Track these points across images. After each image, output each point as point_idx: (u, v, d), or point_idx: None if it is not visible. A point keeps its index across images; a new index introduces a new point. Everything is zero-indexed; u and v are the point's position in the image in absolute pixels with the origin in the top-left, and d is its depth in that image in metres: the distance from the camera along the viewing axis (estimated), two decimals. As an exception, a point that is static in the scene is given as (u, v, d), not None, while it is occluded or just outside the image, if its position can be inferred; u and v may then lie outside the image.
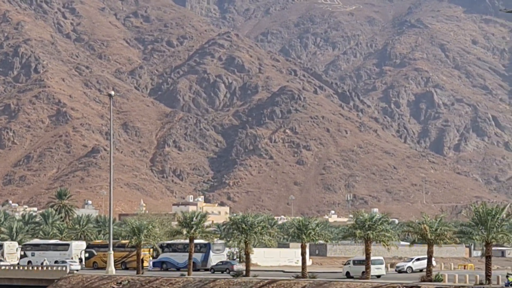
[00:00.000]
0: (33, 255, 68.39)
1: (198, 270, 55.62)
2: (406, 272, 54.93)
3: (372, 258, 45.32)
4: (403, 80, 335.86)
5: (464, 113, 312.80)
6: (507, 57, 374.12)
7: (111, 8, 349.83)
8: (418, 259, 58.27)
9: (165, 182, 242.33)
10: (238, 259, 62.15)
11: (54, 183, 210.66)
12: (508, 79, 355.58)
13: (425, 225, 40.89)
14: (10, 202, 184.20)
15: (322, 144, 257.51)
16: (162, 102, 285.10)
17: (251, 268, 49.57)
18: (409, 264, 58.27)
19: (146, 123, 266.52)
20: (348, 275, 47.32)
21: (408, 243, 55.26)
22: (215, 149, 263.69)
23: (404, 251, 76.54)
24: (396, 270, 56.57)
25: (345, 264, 52.28)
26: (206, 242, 55.75)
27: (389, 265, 59.57)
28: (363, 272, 44.05)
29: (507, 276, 38.43)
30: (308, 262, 55.71)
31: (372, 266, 44.15)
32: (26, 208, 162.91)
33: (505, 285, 37.36)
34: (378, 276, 46.03)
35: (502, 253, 74.51)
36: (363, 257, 45.91)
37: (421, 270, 52.04)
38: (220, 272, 52.54)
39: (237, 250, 62.62)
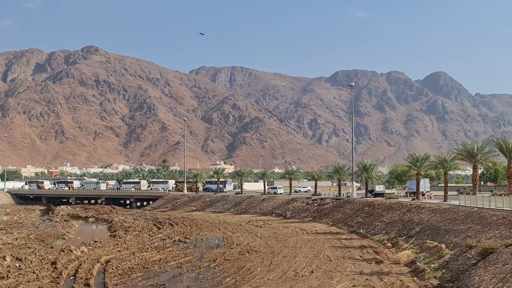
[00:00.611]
0: (153, 186, 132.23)
1: (221, 191, 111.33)
2: (299, 191, 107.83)
3: (280, 186, 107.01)
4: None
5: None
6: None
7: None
8: (305, 187, 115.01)
9: (207, 155, 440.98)
10: (238, 187, 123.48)
11: (162, 156, 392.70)
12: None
13: (314, 173, 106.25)
14: (144, 164, 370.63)
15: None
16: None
17: (243, 190, 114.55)
18: (300, 189, 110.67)
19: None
20: (275, 193, 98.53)
21: (307, 180, 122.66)
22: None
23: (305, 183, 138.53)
24: (295, 191, 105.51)
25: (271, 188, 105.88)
26: (224, 180, 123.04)
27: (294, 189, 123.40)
28: (275, 192, 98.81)
29: (347, 193, 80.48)
30: (267, 188, 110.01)
31: (281, 190, 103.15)
32: (150, 166, 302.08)
33: (347, 197, 74.24)
34: (280, 193, 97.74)
35: (345, 184, 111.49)
36: (281, 185, 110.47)
37: (306, 192, 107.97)
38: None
39: (237, 183, 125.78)
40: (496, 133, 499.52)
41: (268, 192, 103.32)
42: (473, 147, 58.20)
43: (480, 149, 57.55)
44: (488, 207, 42.92)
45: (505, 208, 40.09)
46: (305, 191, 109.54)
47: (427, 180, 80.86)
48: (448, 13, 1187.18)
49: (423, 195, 72.22)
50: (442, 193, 64.66)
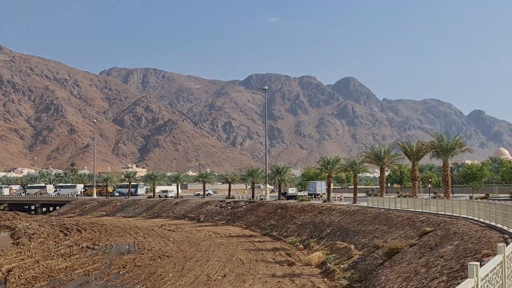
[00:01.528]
0: (60, 191, 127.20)
1: (160, 197, 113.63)
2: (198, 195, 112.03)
3: (172, 189, 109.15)
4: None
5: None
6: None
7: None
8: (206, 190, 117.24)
9: (118, 158, 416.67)
10: (150, 191, 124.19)
11: (70, 160, 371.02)
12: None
13: (227, 176, 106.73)
14: (51, 168, 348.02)
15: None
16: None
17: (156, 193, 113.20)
18: (200, 192, 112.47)
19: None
20: (166, 196, 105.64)
21: (221, 183, 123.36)
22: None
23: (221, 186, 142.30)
24: (195, 195, 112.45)
25: (196, 195, 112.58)
26: (136, 183, 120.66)
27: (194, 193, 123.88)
28: (166, 196, 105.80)
29: (261, 196, 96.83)
30: (180, 191, 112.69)
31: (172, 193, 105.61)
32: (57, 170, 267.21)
33: (260, 200, 78.22)
34: (171, 197, 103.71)
35: (259, 186, 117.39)
36: (172, 188, 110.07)
37: (207, 195, 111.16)
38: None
39: (150, 187, 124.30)
40: (402, 137, 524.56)
41: (159, 195, 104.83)
42: (380, 150, 60.31)
43: (386, 153, 59.74)
44: (394, 208, 44.59)
45: (409, 209, 41.78)
46: (207, 194, 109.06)
47: (324, 182, 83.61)
48: (358, 20, 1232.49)
49: (320, 196, 75.31)
50: (352, 195, 66.65)
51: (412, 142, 56.78)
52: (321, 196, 77.67)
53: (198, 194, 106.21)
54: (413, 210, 41.00)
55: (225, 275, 32.59)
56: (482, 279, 4.47)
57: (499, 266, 5.39)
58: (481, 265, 4.85)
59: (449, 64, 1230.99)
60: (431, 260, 22.22)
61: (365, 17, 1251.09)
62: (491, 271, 4.93)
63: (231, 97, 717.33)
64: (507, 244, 7.54)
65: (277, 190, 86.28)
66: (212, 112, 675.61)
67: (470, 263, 4.16)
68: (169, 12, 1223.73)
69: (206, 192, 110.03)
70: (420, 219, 34.70)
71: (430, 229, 30.01)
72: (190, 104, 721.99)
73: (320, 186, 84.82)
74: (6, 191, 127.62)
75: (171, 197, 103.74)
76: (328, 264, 33.92)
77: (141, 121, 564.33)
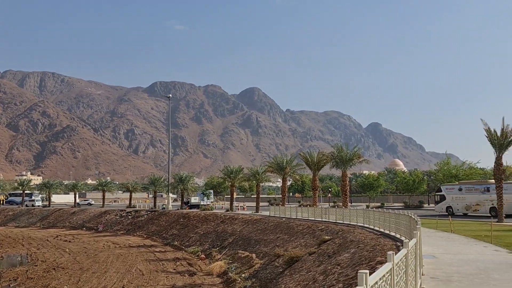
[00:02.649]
0: None
1: (27, 206, 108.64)
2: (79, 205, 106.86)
3: (38, 198, 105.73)
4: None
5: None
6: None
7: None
8: (86, 200, 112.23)
9: (12, 165, 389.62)
10: (46, 200, 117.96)
11: None
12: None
13: (129, 184, 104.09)
14: None
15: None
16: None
17: (52, 203, 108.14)
18: (80, 202, 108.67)
19: None
20: (32, 205, 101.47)
21: (122, 191, 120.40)
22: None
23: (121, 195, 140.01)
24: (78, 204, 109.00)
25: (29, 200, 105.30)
26: (30, 192, 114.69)
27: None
28: (32, 205, 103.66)
29: (163, 205, 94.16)
30: (78, 201, 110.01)
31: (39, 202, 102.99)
32: None
33: (162, 209, 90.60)
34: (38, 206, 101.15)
35: (162, 195, 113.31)
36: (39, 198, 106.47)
37: (87, 205, 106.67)
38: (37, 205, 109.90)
39: (46, 196, 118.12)
40: (304, 147, 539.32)
41: (26, 204, 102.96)
42: (283, 160, 61.50)
43: (289, 162, 61.02)
44: (295, 217, 45.50)
45: (310, 218, 42.81)
46: (86, 204, 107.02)
47: (211, 191, 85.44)
48: (262, 32, 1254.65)
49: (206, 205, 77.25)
50: (255, 204, 67.31)
51: (313, 152, 58.41)
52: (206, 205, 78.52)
53: (78, 204, 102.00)
54: (313, 219, 42.03)
55: (123, 287, 31.66)
56: (372, 287, 4.58)
57: (388, 274, 5.57)
58: (372, 273, 4.97)
59: (349, 78, 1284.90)
60: (329, 267, 22.82)
61: (269, 29, 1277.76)
62: (380, 279, 5.07)
63: (134, 104, 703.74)
64: (398, 251, 7.84)
65: (180, 199, 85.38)
66: (114, 119, 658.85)
67: (360, 271, 4.25)
68: (71, 14, 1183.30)
69: (86, 202, 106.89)
70: (320, 228, 35.63)
71: (329, 237, 30.87)
72: (90, 110, 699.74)
73: (205, 196, 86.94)
74: None
75: (38, 206, 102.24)
76: (230, 274, 33.93)
77: (37, 127, 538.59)
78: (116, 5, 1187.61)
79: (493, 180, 49.35)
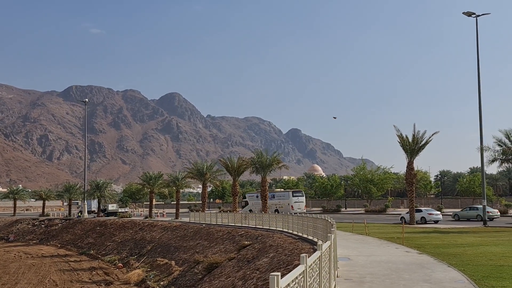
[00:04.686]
0: None
1: None
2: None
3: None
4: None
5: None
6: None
7: None
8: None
9: None
10: None
11: None
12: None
13: (42, 192, 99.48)
14: None
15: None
16: None
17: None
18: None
19: None
20: None
21: (35, 199, 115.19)
22: None
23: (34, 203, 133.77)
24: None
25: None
26: None
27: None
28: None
29: (78, 213, 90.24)
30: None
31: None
32: None
33: (77, 217, 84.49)
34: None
35: (77, 203, 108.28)
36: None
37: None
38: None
39: None
40: (225, 153, 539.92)
41: None
42: (203, 166, 61.34)
43: (209, 168, 60.93)
44: (215, 223, 45.45)
45: (230, 224, 42.90)
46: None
47: (95, 200, 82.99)
48: (182, 36, 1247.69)
49: (94, 212, 77.44)
50: (175, 210, 66.61)
51: (234, 158, 58.66)
52: (95, 212, 79.30)
53: None
54: (233, 224, 42.15)
55: (35, 299, 30.31)
56: (284, 290, 4.61)
57: (301, 276, 5.64)
58: (284, 275, 5.01)
59: (269, 84, 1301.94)
60: (248, 272, 22.93)
61: (189, 34, 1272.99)
62: (293, 281, 5.12)
63: (48, 108, 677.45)
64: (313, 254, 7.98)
65: (97, 206, 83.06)
66: (27, 124, 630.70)
67: (272, 274, 4.26)
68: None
69: None
70: (240, 233, 35.76)
71: (249, 242, 31.05)
72: (1, 115, 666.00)
73: (95, 204, 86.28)
74: None
75: None
76: (148, 282, 33.36)
77: None
78: (28, 6, 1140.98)
79: (278, 190, 69.16)
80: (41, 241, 66.22)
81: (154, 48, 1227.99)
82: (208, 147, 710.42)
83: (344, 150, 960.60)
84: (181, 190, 68.22)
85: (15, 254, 53.70)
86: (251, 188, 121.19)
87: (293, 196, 66.79)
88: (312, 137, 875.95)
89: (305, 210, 60.91)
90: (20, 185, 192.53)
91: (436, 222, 48.14)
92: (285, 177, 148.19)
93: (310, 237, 25.10)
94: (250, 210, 65.71)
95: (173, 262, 36.43)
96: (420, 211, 49.92)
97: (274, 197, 68.87)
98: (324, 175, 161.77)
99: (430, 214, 48.85)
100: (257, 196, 69.18)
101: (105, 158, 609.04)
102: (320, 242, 12.20)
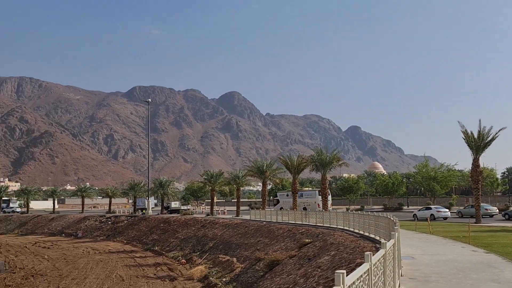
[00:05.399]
0: None
1: (4, 212, 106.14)
2: None
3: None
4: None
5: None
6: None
7: None
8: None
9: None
10: (23, 206, 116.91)
11: None
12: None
13: (108, 189, 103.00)
14: None
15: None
16: None
17: (30, 210, 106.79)
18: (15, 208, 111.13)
19: None
20: None
21: (101, 197, 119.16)
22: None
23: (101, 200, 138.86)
24: None
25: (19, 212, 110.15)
26: (8, 198, 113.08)
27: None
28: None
29: (142, 210, 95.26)
30: (57, 207, 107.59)
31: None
32: None
33: (142, 214, 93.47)
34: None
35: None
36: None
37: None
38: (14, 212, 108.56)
39: (23, 202, 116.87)
40: (284, 151, 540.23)
41: (3, 211, 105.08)
42: (263, 164, 61.58)
43: (269, 166, 61.12)
44: (275, 221, 45.57)
45: (290, 222, 42.92)
46: (10, 212, 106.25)
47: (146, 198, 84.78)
48: (240, 35, 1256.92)
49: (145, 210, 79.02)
50: (235, 208, 67.32)
51: (293, 156, 58.61)
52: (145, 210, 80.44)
53: (22, 212, 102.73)
54: (293, 222, 42.15)
55: (103, 293, 31.40)
56: (349, 287, 4.64)
57: (366, 274, 5.64)
58: (349, 273, 5.04)
59: (328, 81, 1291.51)
60: (309, 270, 22.90)
61: (247, 33, 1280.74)
62: (357, 279, 5.14)
63: (113, 109, 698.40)
64: (377, 252, 7.94)
65: (160, 204, 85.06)
66: (93, 124, 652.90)
67: (337, 271, 4.31)
68: (47, 18, 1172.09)
69: (10, 209, 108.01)
70: (300, 231, 35.72)
71: (309, 240, 30.98)
72: (69, 115, 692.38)
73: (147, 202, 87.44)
74: None
75: (10, 212, 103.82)
76: (211, 278, 33.84)
77: (14, 133, 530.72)
78: (93, 11, 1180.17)
79: (306, 189, 72.74)
80: (108, 237, 68.39)
81: (213, 48, 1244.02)
82: (268, 145, 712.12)
83: (406, 147, 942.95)
84: (241, 188, 68.78)
85: (83, 250, 55.70)
86: (311, 186, 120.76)
87: (319, 194, 66.80)
88: (372, 134, 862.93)
89: (331, 209, 60.64)
90: (88, 183, 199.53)
91: (445, 218, 53.47)
92: (345, 175, 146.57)
93: (372, 236, 24.80)
94: (281, 208, 66.99)
95: (234, 259, 36.82)
96: (430, 208, 55.93)
97: (302, 196, 69.96)
98: (385, 173, 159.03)
99: (439, 211, 54.39)
100: (287, 195, 72.73)
101: (168, 157, 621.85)
102: (383, 240, 12.08)
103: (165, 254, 49.59)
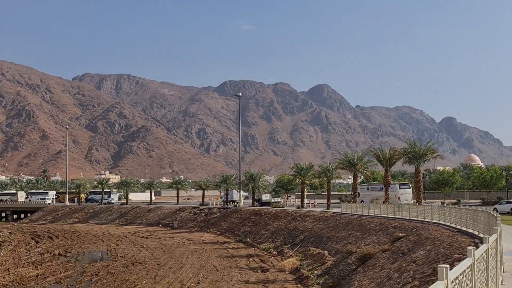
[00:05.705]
0: (31, 197, 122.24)
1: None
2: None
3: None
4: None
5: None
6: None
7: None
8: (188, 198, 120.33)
9: (91, 165, 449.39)
10: (123, 198, 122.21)
11: (42, 166, 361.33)
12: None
13: (201, 182, 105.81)
14: (22, 174, 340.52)
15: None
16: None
17: (129, 201, 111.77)
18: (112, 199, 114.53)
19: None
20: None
21: (195, 189, 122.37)
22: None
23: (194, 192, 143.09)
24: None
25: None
26: (109, 190, 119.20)
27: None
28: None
29: (234, 203, 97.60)
30: (153, 198, 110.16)
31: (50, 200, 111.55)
32: (29, 176, 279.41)
33: (234, 206, 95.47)
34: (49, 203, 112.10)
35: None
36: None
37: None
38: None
39: (123, 194, 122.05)
40: (375, 143, 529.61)
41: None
42: (354, 157, 60.75)
43: (359, 159, 60.19)
44: (367, 214, 44.91)
45: (382, 215, 42.14)
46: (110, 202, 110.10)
47: (235, 191, 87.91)
48: (330, 28, 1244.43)
49: (236, 202, 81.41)
50: (325, 201, 66.99)
51: (385, 148, 57.36)
52: (236, 202, 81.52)
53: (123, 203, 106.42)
54: (385, 216, 41.36)
55: (198, 282, 32.36)
56: (452, 282, 4.51)
57: (469, 269, 5.45)
58: (451, 269, 4.89)
59: (422, 72, 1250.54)
60: (404, 265, 22.41)
61: (337, 25, 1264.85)
62: (461, 274, 4.99)
63: (205, 103, 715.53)
64: (477, 248, 7.64)
65: (251, 196, 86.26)
66: (186, 119, 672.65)
67: (440, 265, 4.20)
68: (143, 18, 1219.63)
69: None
70: (393, 225, 35.00)
71: (403, 234, 30.28)
72: (164, 110, 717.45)
73: (235, 194, 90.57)
74: None
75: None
76: (302, 270, 33.95)
77: (114, 128, 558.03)
78: (184, 9, 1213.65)
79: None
80: (202, 228, 70.38)
81: (302, 41, 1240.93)
82: (358, 138, 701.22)
83: (504, 138, 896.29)
84: (331, 181, 68.31)
85: (179, 240, 57.69)
86: (403, 179, 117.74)
87: (399, 188, 66.92)
88: (468, 126, 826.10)
89: (411, 202, 58.85)
90: (182, 176, 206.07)
91: None
92: (440, 168, 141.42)
93: (470, 230, 23.85)
94: (362, 201, 66.27)
95: (325, 252, 36.69)
96: (510, 202, 58.45)
97: (382, 189, 68.70)
98: (483, 166, 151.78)
99: None
100: (367, 188, 73.89)
101: (258, 150, 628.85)
102: (484, 235, 11.59)
103: (257, 246, 50.31)
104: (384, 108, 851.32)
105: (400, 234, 30.64)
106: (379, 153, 55.56)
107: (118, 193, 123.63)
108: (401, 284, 19.07)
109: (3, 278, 34.97)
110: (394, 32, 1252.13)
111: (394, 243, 29.31)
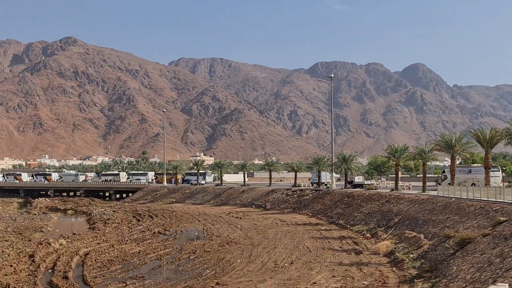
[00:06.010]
0: (132, 178, 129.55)
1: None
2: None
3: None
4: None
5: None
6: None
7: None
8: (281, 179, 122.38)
9: (187, 147, 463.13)
10: (217, 179, 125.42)
11: (142, 148, 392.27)
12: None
13: (293, 164, 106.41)
14: (123, 156, 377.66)
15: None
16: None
17: (223, 182, 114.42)
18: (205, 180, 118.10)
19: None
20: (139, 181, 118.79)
21: (287, 171, 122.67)
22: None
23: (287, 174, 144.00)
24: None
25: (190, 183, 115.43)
26: (204, 171, 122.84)
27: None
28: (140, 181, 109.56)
29: (326, 184, 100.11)
30: (246, 180, 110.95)
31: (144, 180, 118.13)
32: (130, 158, 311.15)
33: (326, 188, 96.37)
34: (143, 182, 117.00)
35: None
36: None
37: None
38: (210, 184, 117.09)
39: (217, 175, 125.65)
40: (474, 124, 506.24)
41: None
42: (451, 138, 58.60)
43: (458, 140, 57.98)
44: (466, 197, 43.36)
45: (482, 198, 40.53)
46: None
47: (327, 173, 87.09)
48: (425, 6, 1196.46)
49: (324, 184, 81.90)
50: (420, 183, 65.32)
51: (485, 129, 54.84)
52: (325, 185, 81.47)
53: (191, 183, 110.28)
54: (486, 199, 39.75)
55: (292, 262, 32.87)
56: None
57: None
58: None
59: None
60: (506, 250, 21.60)
61: (433, 3, 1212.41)
62: None
63: (297, 85, 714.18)
64: None
65: (343, 178, 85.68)
66: (278, 101, 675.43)
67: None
68: (234, 2, 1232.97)
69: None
70: (494, 209, 33.62)
71: (505, 218, 29.07)
72: (256, 93, 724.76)
73: (325, 176, 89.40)
74: (82, 178, 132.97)
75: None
76: (397, 254, 33.52)
77: (208, 111, 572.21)
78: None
79: (475, 165, 69.37)
80: (294, 209, 70.96)
81: (396, 20, 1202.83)
82: (455, 119, 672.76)
83: None
84: (427, 163, 66.33)
85: (271, 221, 58.59)
86: (505, 161, 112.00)
87: None
88: None
89: (501, 185, 55.67)
90: (274, 158, 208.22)
91: None
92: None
93: None
94: (449, 184, 62.96)
95: (421, 236, 35.93)
96: None
97: (470, 172, 67.27)
98: None
99: None
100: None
101: (350, 132, 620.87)
102: None
103: (350, 228, 50.11)
104: (484, 87, 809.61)
105: (502, 218, 29.42)
106: (479, 133, 53.20)
107: (213, 175, 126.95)
108: (503, 269, 18.45)
109: (108, 253, 37.33)
110: (491, 6, 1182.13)
111: (495, 228, 28.22)
